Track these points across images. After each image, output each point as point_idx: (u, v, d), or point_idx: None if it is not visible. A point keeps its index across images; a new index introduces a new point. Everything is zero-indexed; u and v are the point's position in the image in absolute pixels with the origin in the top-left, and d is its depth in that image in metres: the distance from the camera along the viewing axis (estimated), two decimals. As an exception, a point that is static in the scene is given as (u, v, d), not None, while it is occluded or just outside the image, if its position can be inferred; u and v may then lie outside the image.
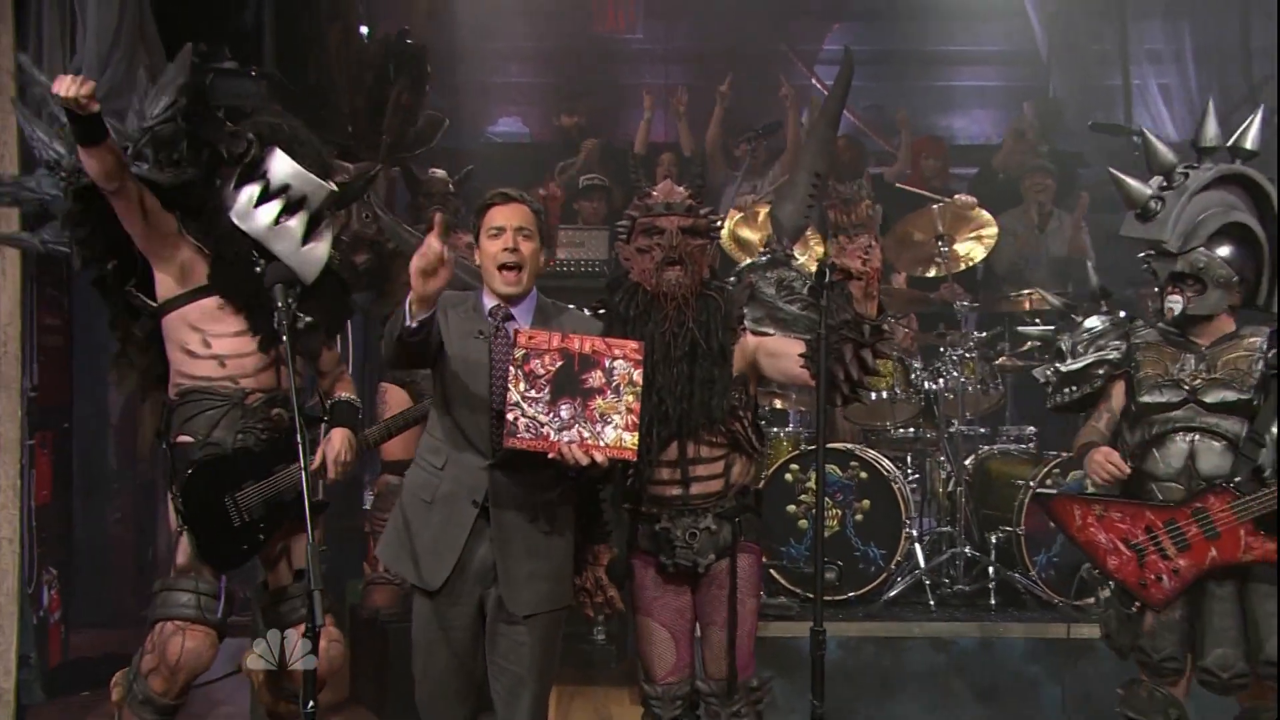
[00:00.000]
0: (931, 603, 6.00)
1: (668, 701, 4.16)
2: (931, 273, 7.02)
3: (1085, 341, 4.55)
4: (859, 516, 6.05)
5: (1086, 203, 7.84)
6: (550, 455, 3.73)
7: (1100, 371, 4.45)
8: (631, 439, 3.75)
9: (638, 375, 3.77)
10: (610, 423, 3.73)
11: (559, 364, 3.73)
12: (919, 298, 7.14)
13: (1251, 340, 4.23)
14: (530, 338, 3.76)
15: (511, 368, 3.75)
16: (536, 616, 3.89)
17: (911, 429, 6.54)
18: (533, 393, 3.72)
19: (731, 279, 4.39)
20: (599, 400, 3.75)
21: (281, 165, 4.30)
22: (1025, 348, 6.50)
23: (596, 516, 4.12)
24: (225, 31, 5.97)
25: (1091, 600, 4.67)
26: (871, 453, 6.21)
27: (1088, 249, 7.75)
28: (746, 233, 6.85)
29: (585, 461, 3.71)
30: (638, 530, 4.15)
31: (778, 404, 6.54)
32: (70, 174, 4.16)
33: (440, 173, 6.59)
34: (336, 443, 4.32)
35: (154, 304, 4.27)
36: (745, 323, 4.09)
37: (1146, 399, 4.29)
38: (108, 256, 4.31)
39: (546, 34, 9.48)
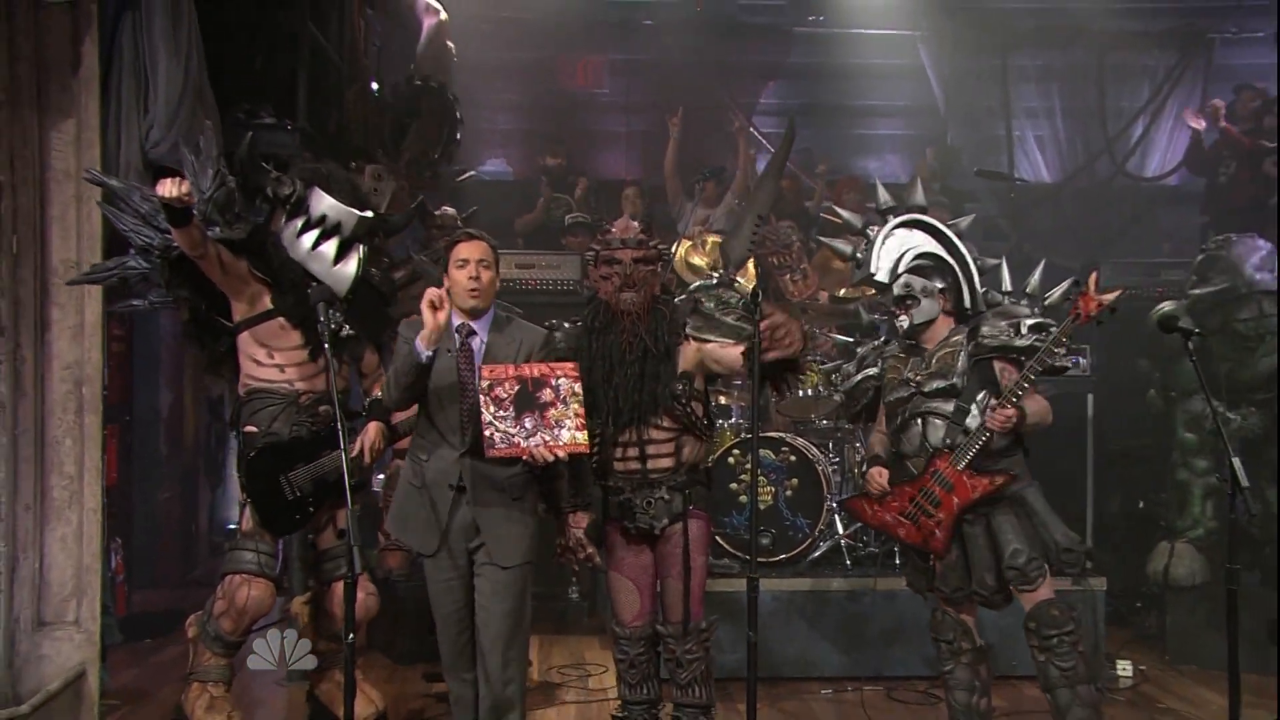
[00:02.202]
0: (848, 562, 6.10)
1: (634, 641, 4.31)
2: (841, 292, 6.95)
3: (855, 364, 4.81)
4: (789, 492, 6.12)
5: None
6: (524, 458, 3.93)
7: (868, 386, 4.70)
8: (583, 436, 3.95)
9: (579, 388, 3.96)
10: (564, 426, 3.92)
11: (517, 388, 3.92)
12: (837, 311, 7.07)
13: (957, 338, 4.45)
14: (491, 371, 3.95)
15: (481, 395, 3.91)
16: (516, 566, 4.07)
17: (832, 421, 6.51)
18: (500, 412, 3.90)
19: (682, 296, 4.55)
20: (553, 410, 3.94)
21: (320, 201, 4.48)
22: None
23: (562, 489, 4.19)
24: (266, 92, 6.05)
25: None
26: (800, 440, 6.26)
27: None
28: (696, 259, 6.84)
29: (550, 459, 3.90)
30: (608, 501, 4.28)
31: (722, 400, 6.51)
32: (163, 251, 4.36)
33: (450, 210, 6.64)
34: (371, 433, 4.42)
35: (230, 325, 4.47)
36: (688, 330, 4.25)
37: (889, 398, 4.55)
38: (200, 300, 4.50)
39: (527, 89, 9.46)
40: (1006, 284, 4.68)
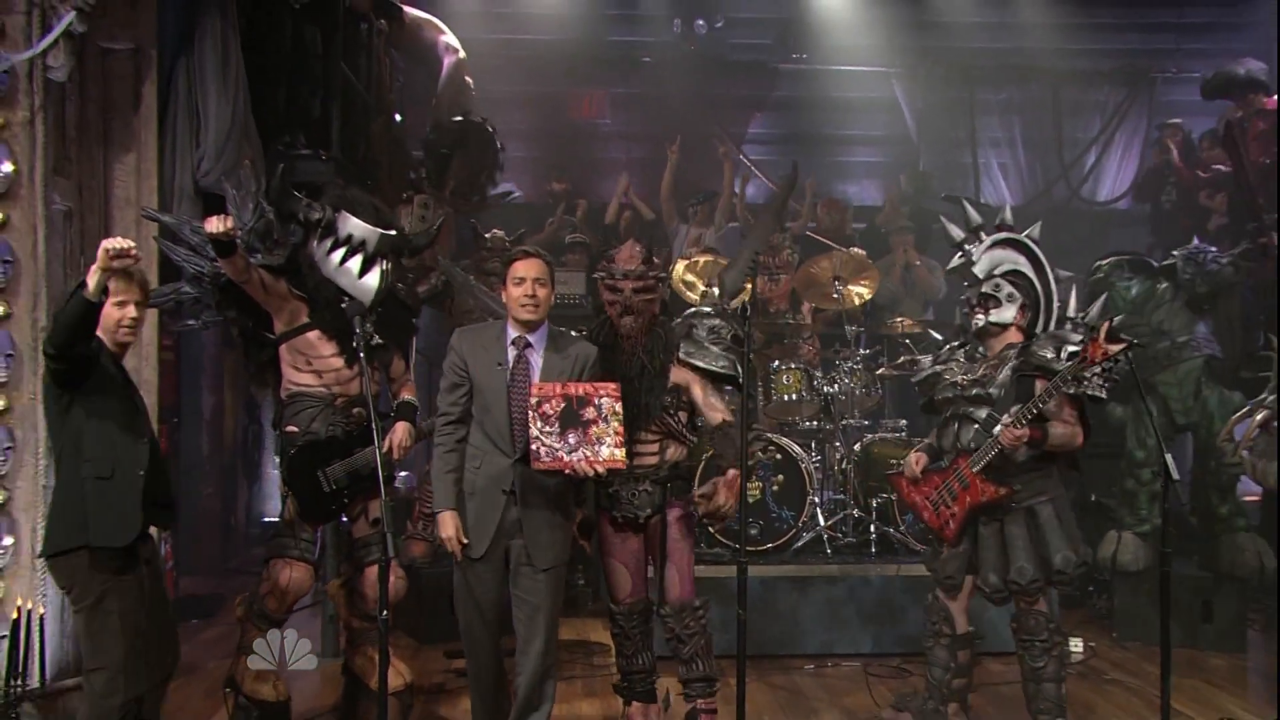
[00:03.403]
0: (829, 551, 6.14)
1: (628, 615, 4.39)
2: (825, 306, 7.03)
3: (931, 359, 4.83)
4: (775, 487, 6.20)
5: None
6: (565, 471, 3.92)
7: (936, 381, 4.70)
8: (620, 453, 3.92)
9: (619, 407, 3.94)
10: (604, 443, 3.89)
11: (563, 405, 3.88)
12: (819, 321, 7.23)
13: (1010, 352, 4.48)
14: (540, 389, 3.92)
15: (530, 411, 3.89)
16: (553, 567, 4.06)
17: (814, 422, 6.57)
18: (547, 428, 3.88)
19: (678, 320, 4.56)
20: (594, 428, 3.90)
21: (346, 222, 4.55)
22: (899, 360, 6.69)
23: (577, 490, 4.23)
24: (302, 126, 6.11)
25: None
26: (785, 440, 6.30)
27: (939, 288, 7.90)
28: (691, 277, 6.89)
29: (590, 474, 3.91)
30: (599, 493, 4.34)
31: None
32: (213, 277, 4.47)
33: (500, 232, 6.59)
34: (400, 432, 4.50)
35: (272, 337, 4.55)
36: (680, 353, 4.34)
37: (938, 395, 4.62)
38: (247, 319, 4.60)
39: (537, 120, 9.43)
40: (1072, 308, 4.62)
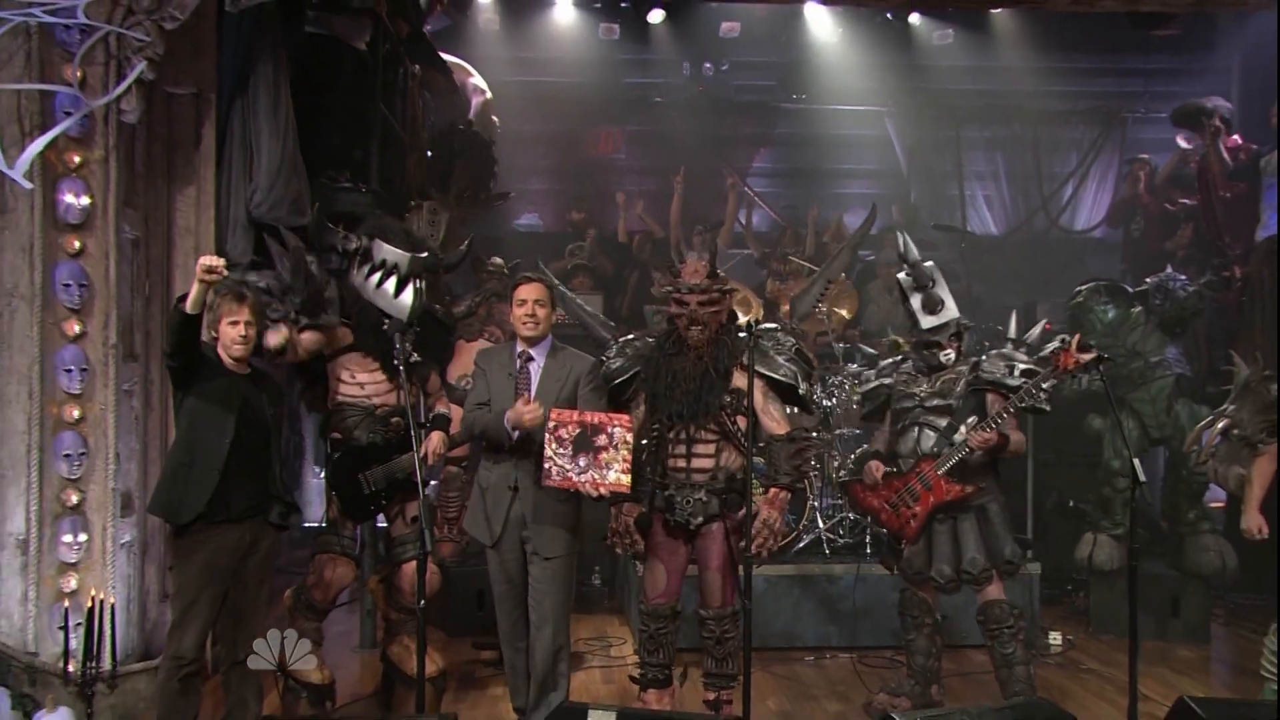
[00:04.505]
0: (827, 551, 6.20)
1: (655, 616, 4.35)
2: (809, 329, 6.97)
3: (876, 373, 5.00)
4: None
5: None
6: (573, 490, 4.00)
7: (882, 393, 4.88)
8: (626, 479, 3.95)
9: (629, 437, 3.99)
10: (612, 468, 3.96)
11: (578, 431, 3.96)
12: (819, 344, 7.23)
13: (961, 369, 4.67)
14: (559, 414, 3.99)
15: (546, 434, 3.95)
16: (557, 557, 4.15)
17: (814, 434, 6.49)
18: (561, 450, 3.96)
19: (743, 332, 4.32)
20: (605, 454, 3.95)
21: (380, 249, 4.66)
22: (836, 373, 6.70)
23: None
24: (345, 161, 6.17)
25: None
26: None
27: None
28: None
29: (595, 495, 4.00)
30: (655, 494, 4.28)
31: None
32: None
33: (499, 260, 6.74)
34: (434, 440, 4.58)
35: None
36: (743, 359, 4.20)
37: (896, 406, 4.74)
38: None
39: (557, 155, 9.49)
40: (1012, 331, 4.95)
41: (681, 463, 4.25)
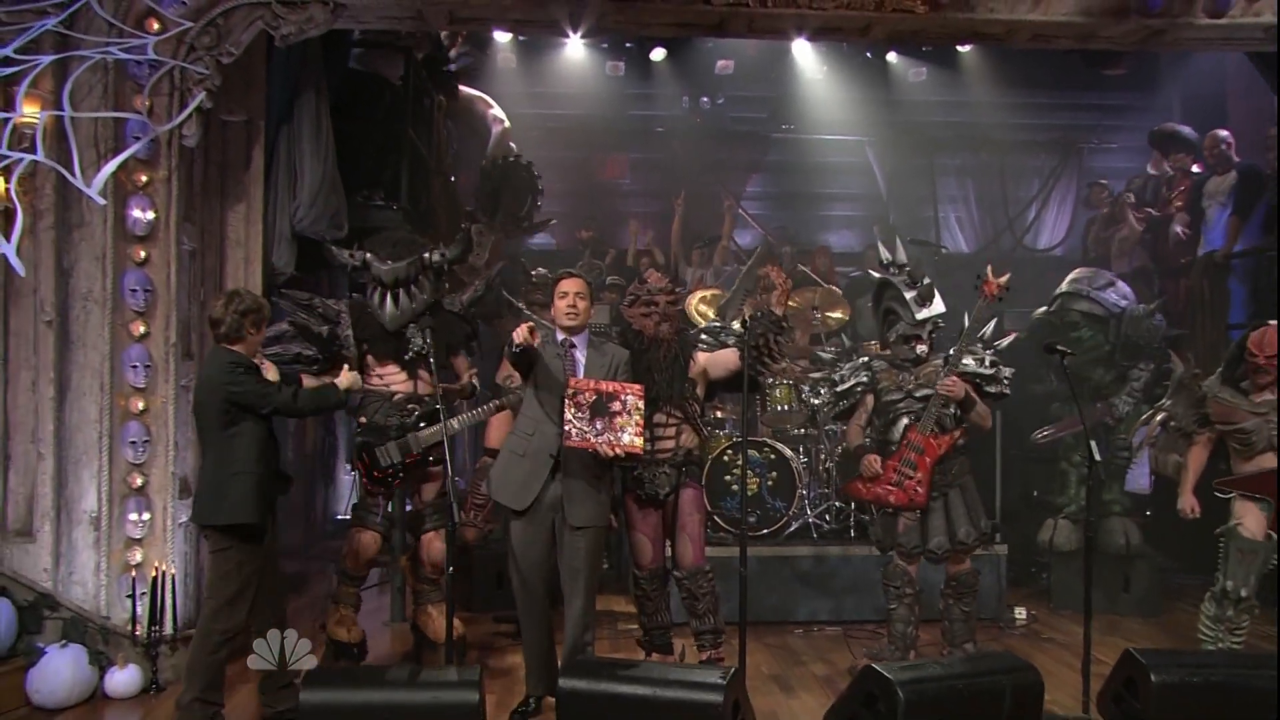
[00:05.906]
0: (815, 535, 6.26)
1: (649, 579, 4.56)
2: (805, 331, 7.12)
3: (847, 373, 5.04)
4: (770, 482, 6.25)
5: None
6: (590, 450, 4.07)
7: (857, 389, 4.95)
8: (639, 441, 4.06)
9: (641, 404, 4.09)
10: (626, 431, 4.06)
11: (594, 398, 4.05)
12: (808, 350, 7.26)
13: (937, 362, 4.79)
14: (577, 383, 4.07)
15: (566, 400, 4.04)
16: (587, 528, 4.14)
17: (803, 429, 6.59)
18: (579, 414, 4.04)
19: (693, 330, 4.88)
20: (619, 419, 4.04)
21: (379, 266, 4.73)
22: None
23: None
24: (378, 181, 6.35)
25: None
26: (778, 443, 6.37)
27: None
28: (704, 307, 7.03)
29: (610, 455, 4.06)
30: (626, 475, 4.49)
31: (719, 414, 6.49)
32: (330, 340, 4.78)
33: (544, 270, 6.58)
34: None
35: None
36: (696, 349, 4.58)
37: (884, 399, 4.82)
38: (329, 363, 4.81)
39: (568, 179, 9.47)
40: (989, 333, 5.02)
41: (646, 446, 4.32)
